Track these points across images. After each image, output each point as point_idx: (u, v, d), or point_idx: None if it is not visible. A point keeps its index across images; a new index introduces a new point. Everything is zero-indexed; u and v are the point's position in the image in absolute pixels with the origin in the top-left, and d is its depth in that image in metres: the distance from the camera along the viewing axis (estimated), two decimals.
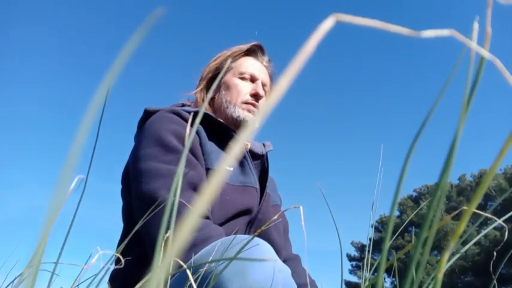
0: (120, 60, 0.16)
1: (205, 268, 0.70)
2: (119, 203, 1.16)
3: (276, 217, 0.48)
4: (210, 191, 0.12)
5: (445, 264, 0.18)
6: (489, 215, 0.38)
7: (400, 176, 0.21)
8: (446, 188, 0.20)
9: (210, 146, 1.10)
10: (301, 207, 0.45)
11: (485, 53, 0.17)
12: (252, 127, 0.13)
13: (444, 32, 0.17)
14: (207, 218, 0.96)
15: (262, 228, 0.49)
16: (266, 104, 0.13)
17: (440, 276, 0.18)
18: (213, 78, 1.28)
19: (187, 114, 1.11)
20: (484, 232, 0.41)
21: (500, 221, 0.38)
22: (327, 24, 0.14)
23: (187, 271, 0.41)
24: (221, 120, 1.17)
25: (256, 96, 1.23)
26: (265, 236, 1.09)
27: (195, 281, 0.66)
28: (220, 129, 1.15)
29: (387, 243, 0.22)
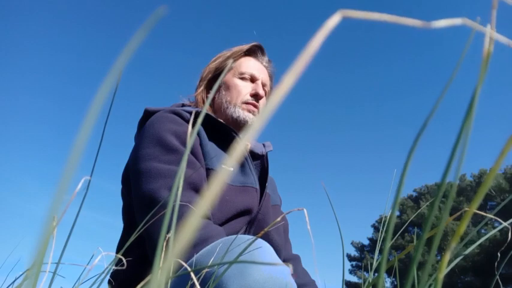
0: (122, 59, 0.16)
1: (207, 269, 0.70)
2: (119, 203, 1.16)
3: (279, 219, 0.48)
4: (211, 191, 0.12)
5: (445, 265, 0.18)
6: (492, 216, 0.38)
7: (401, 176, 0.21)
8: (453, 189, 0.19)
9: (210, 147, 1.10)
10: (305, 210, 0.45)
11: (500, 37, 0.17)
12: (253, 128, 0.13)
13: (456, 21, 0.16)
14: (208, 218, 0.96)
15: (265, 230, 0.49)
16: (270, 103, 0.13)
17: (441, 276, 0.18)
18: (213, 79, 1.28)
19: (187, 114, 1.11)
20: (488, 235, 0.41)
21: (506, 224, 0.38)
22: (333, 20, 0.13)
23: (191, 272, 0.41)
24: (221, 121, 1.16)
25: (256, 97, 1.23)
26: (265, 236, 1.09)
27: (196, 280, 0.66)
28: (221, 130, 1.15)
29: (388, 243, 0.22)
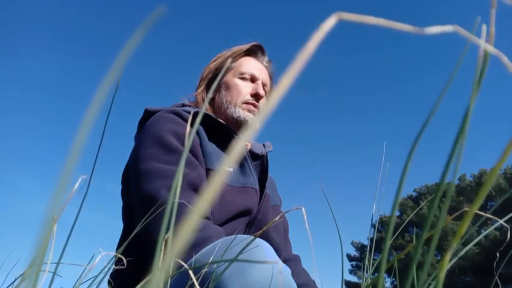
0: (121, 59, 0.16)
1: (205, 268, 0.70)
2: (119, 203, 1.16)
3: (277, 218, 0.48)
4: (210, 192, 0.12)
5: (447, 265, 0.18)
6: (490, 216, 0.38)
7: (401, 176, 0.21)
8: (452, 188, 0.19)
9: (211, 147, 1.10)
10: (303, 208, 0.45)
11: (491, 48, 0.17)
12: (253, 127, 0.13)
13: (448, 28, 0.17)
14: (207, 218, 0.96)
15: (264, 229, 0.49)
16: (267, 104, 0.13)
17: (442, 276, 0.18)
18: (213, 79, 1.28)
19: (187, 114, 1.11)
20: (485, 233, 0.41)
21: (501, 221, 0.38)
22: (329, 23, 0.14)
23: (190, 271, 0.41)
24: (221, 121, 1.16)
25: (256, 97, 1.23)
26: (264, 237, 1.09)
27: (196, 280, 0.65)
28: (221, 130, 1.15)
29: (388, 243, 0.22)
